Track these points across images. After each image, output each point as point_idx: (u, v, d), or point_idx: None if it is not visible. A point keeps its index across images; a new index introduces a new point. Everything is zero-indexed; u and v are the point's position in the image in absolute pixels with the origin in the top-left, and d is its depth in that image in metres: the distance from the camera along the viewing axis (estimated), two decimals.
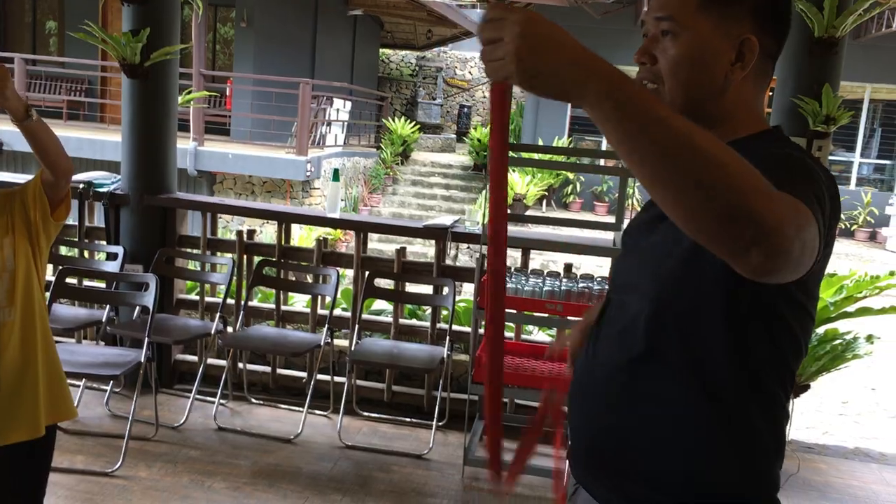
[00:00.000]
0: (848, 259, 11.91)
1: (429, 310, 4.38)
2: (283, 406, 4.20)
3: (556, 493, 1.26)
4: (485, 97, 20.68)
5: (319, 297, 4.32)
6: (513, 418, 4.08)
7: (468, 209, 13.48)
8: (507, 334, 4.32)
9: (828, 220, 1.06)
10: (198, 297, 4.45)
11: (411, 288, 4.34)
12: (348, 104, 14.13)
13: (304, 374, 4.34)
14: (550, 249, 4.35)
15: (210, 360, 4.31)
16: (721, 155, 0.89)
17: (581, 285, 3.46)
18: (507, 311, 3.53)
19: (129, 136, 4.20)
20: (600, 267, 8.16)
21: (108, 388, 4.02)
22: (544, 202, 14.56)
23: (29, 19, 14.51)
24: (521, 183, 13.64)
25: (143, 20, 4.02)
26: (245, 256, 4.37)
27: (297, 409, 4.08)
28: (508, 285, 3.46)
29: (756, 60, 1.20)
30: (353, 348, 3.99)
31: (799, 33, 3.48)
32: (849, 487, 3.77)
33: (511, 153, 4.14)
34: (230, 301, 4.28)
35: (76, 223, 4.39)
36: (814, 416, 6.01)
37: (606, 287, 1.33)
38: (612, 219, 3.92)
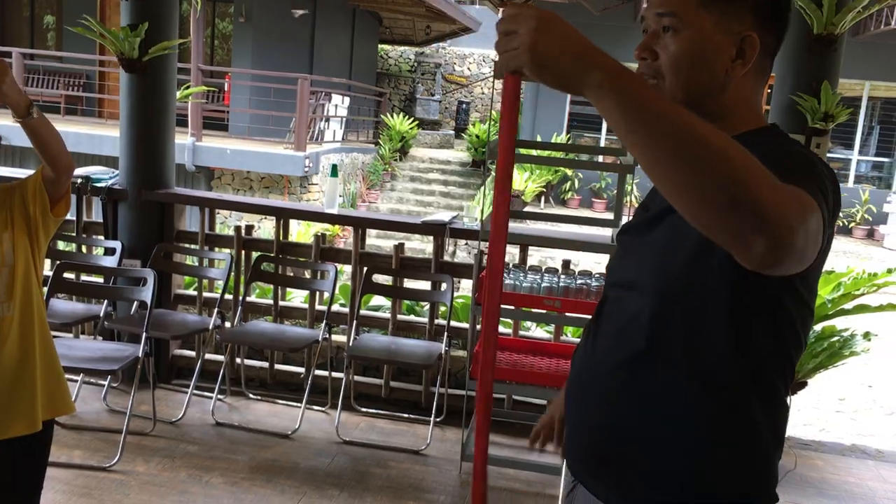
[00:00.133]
0: (846, 256, 11.92)
1: (427, 306, 4.38)
2: (280, 401, 4.20)
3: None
4: (483, 93, 20.66)
5: (317, 293, 4.32)
6: (510, 414, 4.09)
7: (466, 205, 13.47)
8: (506, 331, 4.32)
9: (831, 212, 1.06)
10: (196, 293, 4.44)
11: (409, 284, 4.34)
12: (347, 100, 14.12)
13: (301, 370, 4.34)
14: (548, 246, 4.35)
15: (208, 356, 4.31)
16: (725, 146, 0.91)
17: (579, 282, 3.46)
18: (505, 307, 3.55)
19: (128, 130, 4.20)
20: (598, 263, 8.16)
21: (106, 382, 4.03)
22: (542, 199, 14.56)
23: (27, 14, 14.47)
24: (519, 179, 13.64)
25: (141, 15, 4.01)
26: (243, 252, 4.37)
27: (294, 404, 4.09)
28: (507, 281, 3.46)
29: (756, 57, 1.20)
30: (351, 344, 3.99)
31: (798, 30, 3.47)
32: (845, 484, 3.78)
33: None
34: (228, 296, 4.28)
35: (74, 218, 4.38)
36: (811, 412, 6.02)
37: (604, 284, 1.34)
38: (610, 215, 3.93)
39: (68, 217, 2.13)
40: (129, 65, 4.04)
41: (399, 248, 4.21)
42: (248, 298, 4.31)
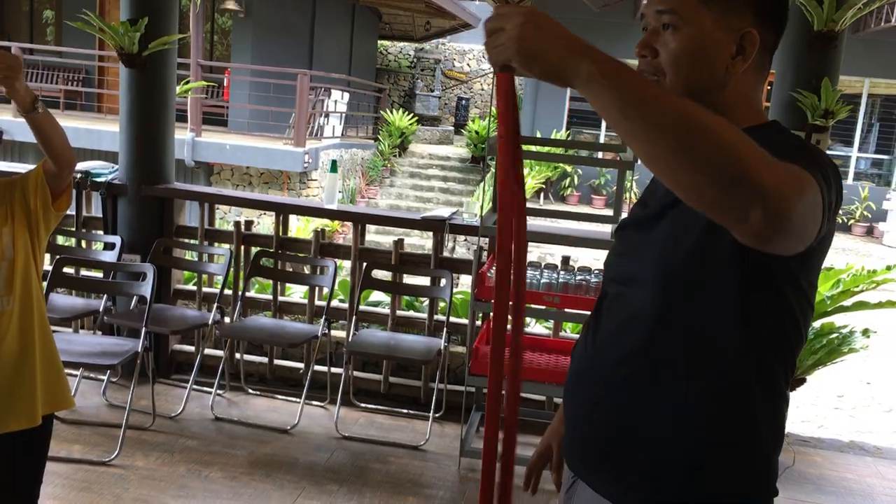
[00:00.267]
0: (845, 253, 11.93)
1: (426, 301, 4.38)
2: (280, 397, 4.21)
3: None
4: (483, 90, 20.64)
5: (317, 288, 4.32)
6: None
7: (466, 201, 13.47)
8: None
9: (832, 198, 1.06)
10: (195, 288, 4.45)
11: (409, 280, 4.34)
12: (346, 95, 14.10)
13: (301, 365, 4.34)
14: (548, 242, 4.35)
15: (207, 351, 4.31)
16: (718, 124, 0.93)
17: (578, 278, 3.47)
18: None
19: (127, 125, 4.20)
20: (597, 260, 8.17)
21: (106, 377, 4.03)
22: (541, 195, 14.56)
23: (26, 8, 14.44)
24: None
25: (141, 9, 4.01)
26: (243, 247, 4.37)
27: (294, 399, 4.09)
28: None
29: (756, 54, 1.20)
30: (350, 339, 3.99)
31: (798, 27, 3.47)
32: (844, 480, 3.79)
33: None
34: (228, 291, 4.28)
35: (74, 213, 4.38)
36: (809, 409, 6.03)
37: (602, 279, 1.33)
38: (609, 212, 3.93)
39: (68, 212, 2.13)
40: (128, 59, 4.04)
41: (398, 243, 4.21)
42: (247, 294, 4.31)
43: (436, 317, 4.21)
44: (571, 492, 1.39)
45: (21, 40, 13.37)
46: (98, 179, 4.24)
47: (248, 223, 4.47)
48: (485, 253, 3.89)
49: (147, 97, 4.17)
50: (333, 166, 4.41)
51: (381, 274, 4.22)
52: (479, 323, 4.03)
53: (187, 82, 4.83)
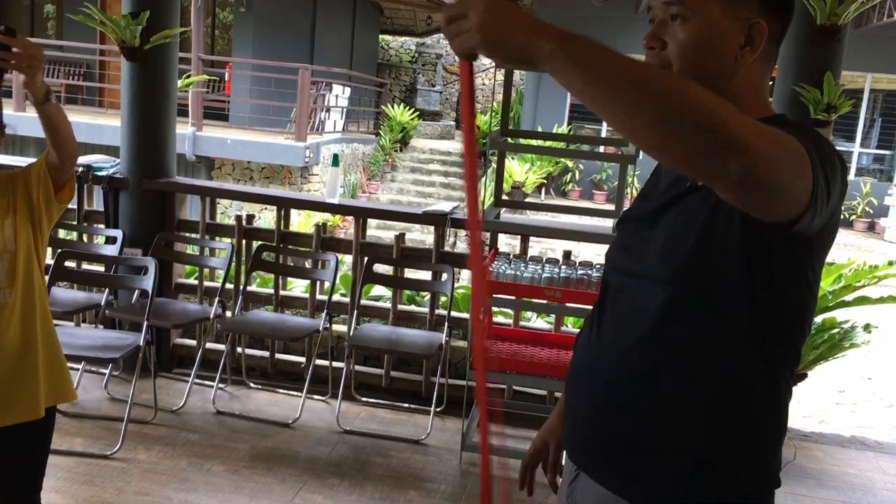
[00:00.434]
0: (846, 249, 11.92)
1: (427, 296, 4.38)
2: (281, 391, 4.21)
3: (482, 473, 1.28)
4: (484, 84, 20.60)
5: (318, 283, 4.32)
6: (511, 404, 4.10)
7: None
8: (506, 321, 4.33)
9: (828, 173, 1.06)
10: (197, 282, 4.45)
11: (410, 274, 4.34)
12: (347, 90, 14.09)
13: (302, 359, 4.34)
14: (549, 236, 4.35)
15: (209, 345, 4.31)
16: (687, 84, 0.96)
17: (580, 272, 3.47)
18: (506, 297, 3.55)
19: (129, 119, 4.19)
20: (598, 255, 8.16)
21: (107, 371, 4.03)
22: (543, 190, 14.55)
23: (27, 2, 14.42)
24: (519, 170, 13.63)
25: (142, 3, 4.00)
26: (244, 241, 4.37)
27: (295, 393, 4.09)
28: (507, 272, 3.46)
29: (763, 45, 1.20)
30: (351, 334, 3.99)
31: (801, 21, 3.46)
32: (845, 475, 3.79)
33: (510, 140, 4.13)
34: (229, 286, 4.28)
35: (75, 207, 4.38)
36: (811, 404, 6.03)
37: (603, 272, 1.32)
38: (611, 206, 3.92)
39: (69, 206, 2.14)
40: (130, 53, 4.03)
41: (400, 238, 4.21)
42: (248, 288, 4.31)
43: (437, 311, 4.21)
44: (574, 485, 1.39)
45: (22, 34, 13.28)
46: (99, 173, 4.24)
47: (250, 217, 4.47)
48: (486, 248, 3.89)
49: (148, 91, 4.16)
50: (335, 160, 4.40)
51: (383, 268, 4.21)
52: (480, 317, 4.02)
53: (188, 76, 4.82)
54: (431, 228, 4.20)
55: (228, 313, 4.20)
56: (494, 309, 4.16)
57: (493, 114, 10.33)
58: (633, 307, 1.26)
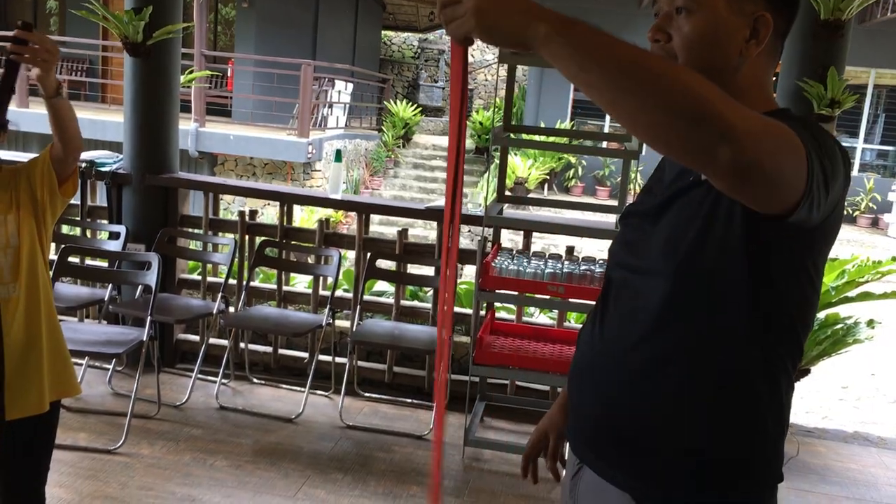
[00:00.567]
0: (850, 245, 11.90)
1: (430, 291, 4.38)
2: (284, 386, 4.22)
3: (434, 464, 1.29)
4: (487, 80, 20.59)
5: (321, 278, 4.33)
6: (513, 400, 4.10)
7: (469, 192, 13.46)
8: (509, 317, 4.33)
9: (825, 163, 1.05)
10: (200, 277, 4.45)
11: (413, 269, 4.34)
12: (350, 86, 14.08)
13: (305, 355, 4.35)
14: (552, 232, 4.34)
15: (212, 340, 4.32)
16: (675, 71, 0.96)
17: (583, 268, 3.47)
18: (509, 292, 3.55)
19: (132, 114, 4.20)
20: (601, 250, 8.15)
21: (111, 366, 4.04)
22: (545, 186, 14.54)
23: None
24: (522, 166, 13.62)
25: None
26: (247, 237, 4.37)
27: (298, 389, 4.10)
28: (510, 267, 3.46)
29: (768, 38, 1.19)
30: (354, 329, 4.00)
31: (805, 16, 3.45)
32: (848, 471, 3.79)
33: (512, 135, 4.12)
34: (232, 281, 4.28)
35: (78, 202, 4.38)
36: (814, 400, 6.03)
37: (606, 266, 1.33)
38: (614, 202, 3.92)
39: (73, 201, 2.15)
40: (133, 49, 4.03)
41: (403, 233, 4.21)
42: (251, 283, 4.31)
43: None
44: (577, 478, 1.39)
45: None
46: (103, 169, 4.24)
47: (253, 213, 4.47)
48: (489, 243, 3.89)
49: (151, 86, 4.16)
50: (338, 156, 4.40)
51: (386, 264, 4.22)
52: (483, 313, 4.03)
53: (191, 72, 4.82)
54: (434, 224, 4.20)
55: (231, 309, 4.21)
56: (497, 305, 4.16)
57: (496, 109, 10.30)
58: (635, 303, 1.26)
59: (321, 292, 4.32)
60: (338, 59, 14.47)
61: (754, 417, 1.21)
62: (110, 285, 4.08)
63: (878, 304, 4.18)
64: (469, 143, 16.11)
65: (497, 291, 3.53)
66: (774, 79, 1.30)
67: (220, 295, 4.07)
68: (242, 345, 4.31)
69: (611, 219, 4.20)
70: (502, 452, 3.60)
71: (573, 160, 14.92)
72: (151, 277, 3.64)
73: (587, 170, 15.15)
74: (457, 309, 4.11)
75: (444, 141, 16.55)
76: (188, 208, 4.53)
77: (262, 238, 4.32)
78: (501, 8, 0.98)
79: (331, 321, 4.02)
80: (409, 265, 4.28)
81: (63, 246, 3.86)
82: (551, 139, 6.21)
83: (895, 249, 11.41)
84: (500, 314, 4.31)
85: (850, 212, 14.59)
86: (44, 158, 1.99)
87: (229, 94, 13.12)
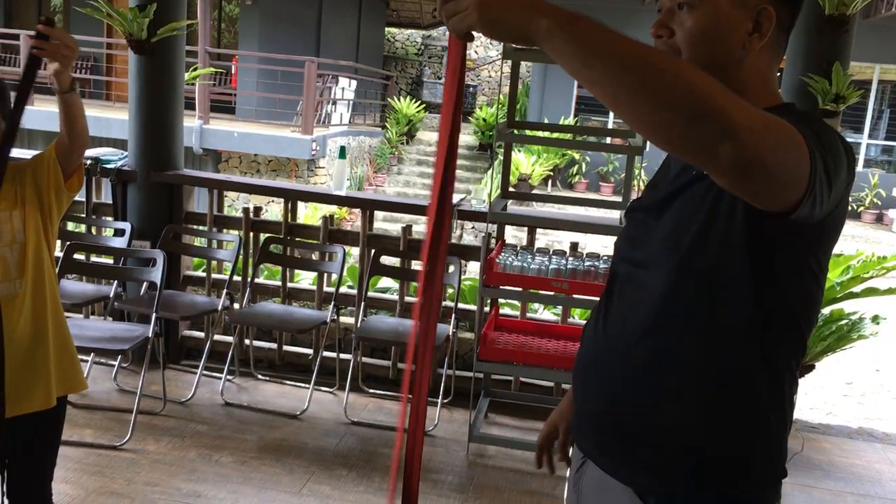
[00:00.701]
0: (854, 240, 11.88)
1: None
2: (289, 382, 4.22)
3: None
4: (490, 77, 20.58)
5: (325, 275, 4.33)
6: (517, 396, 4.11)
7: (473, 188, 13.47)
8: (513, 313, 4.33)
9: (828, 160, 1.05)
10: (205, 274, 4.46)
11: (417, 266, 4.34)
12: (353, 83, 14.08)
13: (310, 351, 4.36)
14: (556, 228, 4.35)
15: (217, 337, 4.34)
16: (686, 66, 0.96)
17: (587, 264, 3.47)
18: (513, 289, 3.56)
19: (136, 112, 4.20)
20: (606, 247, 8.15)
21: (117, 362, 4.05)
22: (549, 182, 14.53)
23: None
24: (526, 163, 13.61)
25: None
26: (252, 233, 4.38)
27: (303, 385, 4.11)
28: (514, 263, 3.46)
29: (772, 32, 1.19)
30: (358, 325, 4.00)
31: (809, 11, 3.45)
32: (853, 467, 3.79)
33: (516, 132, 4.13)
34: (237, 278, 4.29)
35: (84, 199, 4.40)
36: (818, 396, 6.02)
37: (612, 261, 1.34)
38: (618, 198, 3.91)
39: (78, 198, 2.17)
40: (137, 46, 4.04)
41: (407, 230, 4.21)
42: (256, 280, 4.32)
43: (444, 303, 4.21)
44: (581, 472, 1.40)
45: (29, 28, 13.33)
46: (108, 166, 4.25)
47: (257, 210, 4.48)
48: (493, 239, 3.89)
49: (155, 84, 4.17)
50: (342, 152, 4.40)
51: (390, 260, 4.22)
52: (487, 309, 4.03)
53: (195, 69, 4.83)
54: None
55: (236, 305, 4.22)
56: (501, 301, 4.16)
57: (500, 106, 10.32)
58: (638, 300, 1.26)
59: (325, 289, 4.32)
60: (341, 55, 14.48)
61: (755, 416, 1.21)
62: (115, 282, 4.09)
63: (883, 299, 4.18)
64: (472, 140, 16.12)
65: (501, 288, 3.54)
66: (779, 74, 1.30)
67: (224, 291, 4.08)
68: (247, 341, 4.31)
69: (614, 215, 4.20)
70: (507, 448, 3.61)
71: (577, 156, 14.90)
72: (156, 274, 3.65)
73: (591, 166, 15.13)
74: (461, 305, 4.11)
75: None
76: (193, 205, 4.54)
77: (267, 235, 4.32)
78: (505, 2, 0.98)
79: (335, 318, 4.03)
80: (413, 261, 4.28)
81: (68, 243, 3.87)
82: (555, 135, 6.20)
83: None
84: (505, 310, 4.32)
85: (855, 207, 14.56)
86: (49, 154, 2.00)
87: (233, 91, 13.13)
